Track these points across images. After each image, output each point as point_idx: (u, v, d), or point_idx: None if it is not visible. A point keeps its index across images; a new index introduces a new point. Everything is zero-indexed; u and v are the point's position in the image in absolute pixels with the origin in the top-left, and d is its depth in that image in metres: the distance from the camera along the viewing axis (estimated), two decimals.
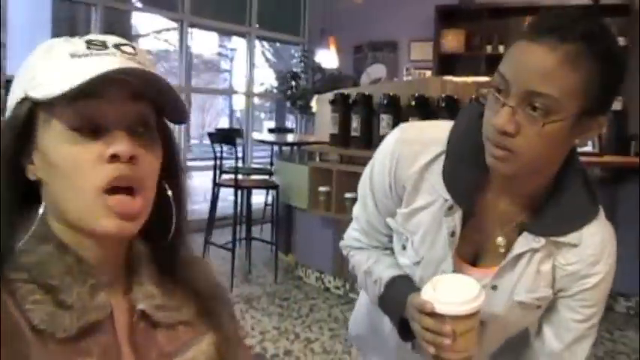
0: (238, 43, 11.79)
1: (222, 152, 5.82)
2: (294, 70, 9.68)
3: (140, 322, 0.93)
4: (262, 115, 14.34)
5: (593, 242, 1.36)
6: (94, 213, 0.87)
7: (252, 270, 6.15)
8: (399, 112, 4.77)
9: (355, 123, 5.11)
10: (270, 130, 9.08)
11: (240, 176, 5.85)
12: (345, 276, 5.34)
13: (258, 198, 7.28)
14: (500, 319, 1.43)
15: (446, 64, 8.34)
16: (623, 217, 4.19)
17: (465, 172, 1.37)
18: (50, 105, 0.85)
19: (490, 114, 1.24)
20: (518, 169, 1.25)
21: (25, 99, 0.87)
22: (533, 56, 1.16)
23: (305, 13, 10.23)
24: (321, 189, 5.30)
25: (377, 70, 9.48)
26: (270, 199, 6.95)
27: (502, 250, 1.40)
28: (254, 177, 6.43)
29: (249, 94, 9.51)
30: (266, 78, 11.03)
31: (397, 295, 1.45)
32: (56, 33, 7.55)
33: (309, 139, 6.94)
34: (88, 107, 0.86)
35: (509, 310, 1.41)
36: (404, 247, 1.48)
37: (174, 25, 8.59)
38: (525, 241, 1.36)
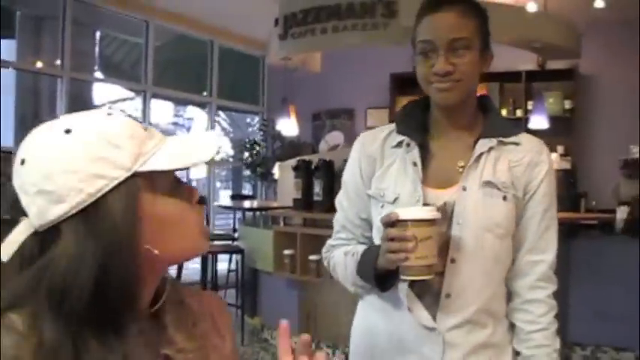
0: (194, 112, 11.97)
1: None
2: (254, 138, 9.88)
3: None
4: (218, 184, 14.45)
5: (531, 140, 1.81)
6: (198, 240, 1.05)
7: None
8: None
9: (317, 188, 5.27)
10: (232, 197, 9.21)
11: None
12: (311, 337, 5.42)
13: (222, 265, 7.36)
14: (474, 212, 1.71)
15: None
16: (576, 270, 4.40)
17: (412, 120, 1.83)
18: (150, 175, 0.98)
19: (426, 69, 1.70)
20: (460, 95, 1.72)
21: (132, 176, 0.95)
22: (444, 19, 1.69)
23: (264, 82, 10.50)
24: (286, 252, 5.41)
25: (335, 137, 9.71)
26: (233, 265, 7.03)
27: (461, 171, 1.76)
28: (217, 243, 6.53)
29: (209, 163, 9.62)
30: (222, 147, 11.19)
31: (373, 252, 1.72)
32: (21, 104, 7.66)
33: (272, 204, 7.08)
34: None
35: (480, 199, 1.72)
36: (382, 206, 1.79)
37: (131, 94, 8.76)
38: (482, 143, 1.75)
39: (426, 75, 1.71)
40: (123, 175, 0.94)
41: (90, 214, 0.92)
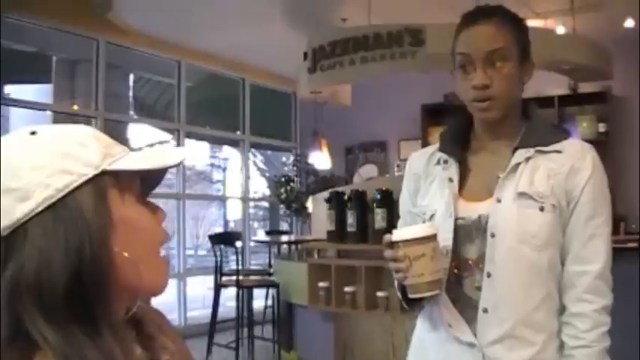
0: (229, 152, 12.06)
1: (221, 254, 5.94)
2: (289, 174, 9.91)
3: None
4: (255, 224, 14.46)
5: (574, 146, 1.74)
6: (159, 268, 0.99)
7: None
8: (393, 206, 4.90)
9: (351, 219, 5.24)
10: (267, 233, 9.23)
11: (240, 277, 5.94)
12: None
13: (258, 302, 7.33)
14: (508, 224, 1.67)
15: None
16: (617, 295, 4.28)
17: (453, 137, 1.86)
18: (119, 179, 0.94)
19: (465, 84, 1.72)
20: (500, 111, 1.72)
21: (101, 174, 0.92)
22: (481, 31, 1.71)
23: (296, 117, 10.56)
24: (321, 284, 5.36)
25: (368, 171, 9.72)
26: (269, 301, 7.02)
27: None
28: (253, 277, 6.52)
29: (244, 199, 9.71)
30: (259, 186, 11.26)
31: None
32: None
33: (306, 238, 7.06)
34: (139, 175, 0.99)
35: (515, 211, 1.67)
36: (424, 221, 1.80)
37: (167, 136, 8.86)
38: (519, 154, 1.72)
39: (467, 91, 1.73)
40: (91, 172, 0.91)
41: (58, 209, 0.88)
